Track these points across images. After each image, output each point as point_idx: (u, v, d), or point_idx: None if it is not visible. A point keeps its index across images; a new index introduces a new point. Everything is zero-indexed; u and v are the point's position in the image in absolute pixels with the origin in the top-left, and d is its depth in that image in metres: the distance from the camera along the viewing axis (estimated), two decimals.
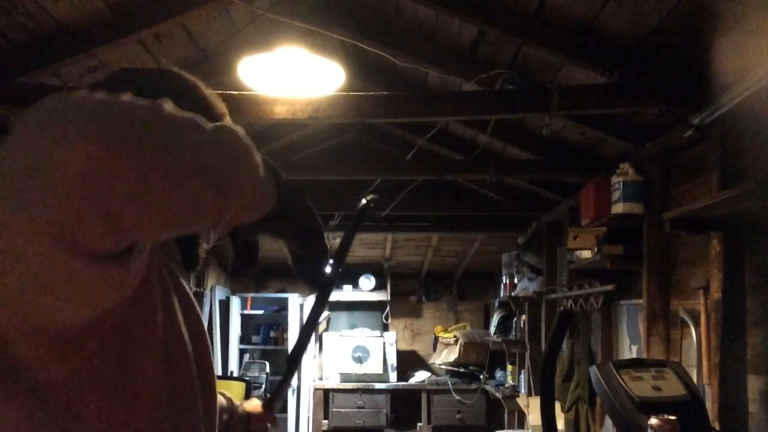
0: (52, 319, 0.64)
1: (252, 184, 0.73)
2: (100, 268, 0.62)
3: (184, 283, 0.89)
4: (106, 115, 0.63)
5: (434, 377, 6.91)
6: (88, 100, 0.64)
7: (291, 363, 1.25)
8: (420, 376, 6.89)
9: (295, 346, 1.22)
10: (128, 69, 0.93)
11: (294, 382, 6.62)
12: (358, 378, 6.69)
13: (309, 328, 1.23)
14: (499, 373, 6.21)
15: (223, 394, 1.30)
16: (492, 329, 6.10)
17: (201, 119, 0.69)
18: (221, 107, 0.97)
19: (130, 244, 0.64)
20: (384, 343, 6.83)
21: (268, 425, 1.34)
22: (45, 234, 0.58)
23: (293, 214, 0.88)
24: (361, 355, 6.72)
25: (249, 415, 1.34)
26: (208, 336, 0.93)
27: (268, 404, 1.36)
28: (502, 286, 5.95)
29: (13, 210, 0.58)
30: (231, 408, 1.30)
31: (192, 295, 0.91)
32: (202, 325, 0.91)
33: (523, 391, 5.18)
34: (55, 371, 0.68)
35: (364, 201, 1.16)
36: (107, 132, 0.61)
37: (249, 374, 6.23)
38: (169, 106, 0.67)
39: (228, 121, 0.94)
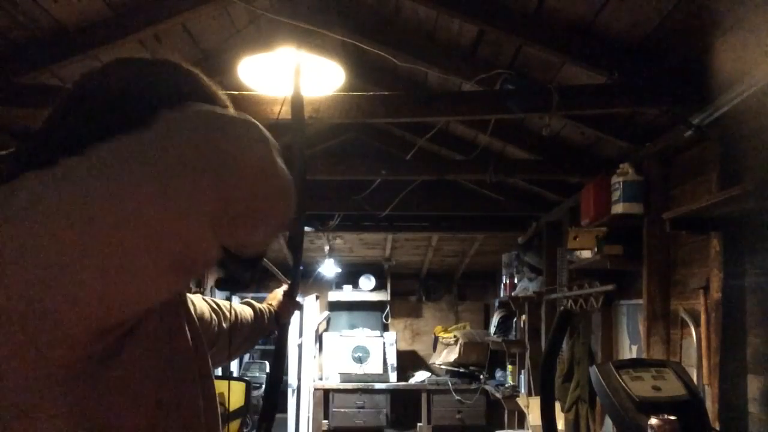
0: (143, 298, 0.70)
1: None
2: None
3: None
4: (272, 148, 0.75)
5: (434, 377, 6.91)
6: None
7: (294, 247, 1.38)
8: (420, 376, 6.89)
9: (291, 236, 1.37)
10: (124, 60, 0.90)
11: (294, 381, 6.63)
12: (358, 378, 6.69)
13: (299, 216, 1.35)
14: (499, 373, 6.21)
15: (249, 303, 1.53)
16: (492, 329, 6.10)
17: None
18: (223, 99, 0.95)
19: None
20: (384, 343, 6.84)
21: (296, 312, 1.57)
22: (202, 214, 0.67)
23: None
24: (361, 355, 6.72)
25: (278, 311, 1.54)
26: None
27: (290, 294, 1.55)
28: (502, 286, 5.95)
29: (177, 190, 0.66)
30: (261, 313, 1.49)
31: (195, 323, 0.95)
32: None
33: (523, 391, 5.18)
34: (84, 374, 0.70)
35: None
36: (270, 157, 0.73)
37: (249, 374, 6.23)
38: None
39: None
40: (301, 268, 1.52)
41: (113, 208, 0.64)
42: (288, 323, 1.58)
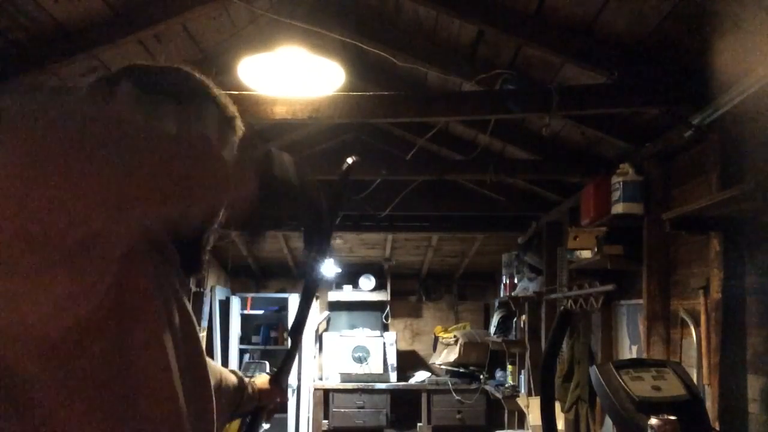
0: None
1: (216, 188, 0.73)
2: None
3: (183, 296, 0.90)
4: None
5: (434, 377, 6.91)
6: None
7: (293, 335, 1.28)
8: (420, 376, 6.89)
9: (295, 319, 1.26)
10: (136, 67, 0.90)
11: (294, 381, 6.63)
12: (358, 378, 6.69)
13: (307, 297, 1.27)
14: (499, 373, 6.21)
15: (234, 372, 1.37)
16: (492, 329, 6.10)
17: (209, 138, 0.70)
18: (232, 109, 0.94)
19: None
20: (384, 343, 6.84)
21: (278, 400, 1.40)
22: (109, 203, 0.60)
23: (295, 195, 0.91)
24: (361, 355, 6.72)
25: (260, 392, 1.39)
26: (203, 349, 0.93)
27: (276, 379, 1.41)
28: (502, 286, 5.95)
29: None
30: (242, 386, 1.34)
31: (189, 308, 0.92)
32: (197, 336, 0.92)
33: (523, 391, 5.18)
34: (45, 378, 0.68)
35: (349, 161, 1.24)
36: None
37: (249, 374, 6.22)
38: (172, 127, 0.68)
39: (238, 124, 0.94)
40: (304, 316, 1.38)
41: None
42: (266, 409, 1.39)
